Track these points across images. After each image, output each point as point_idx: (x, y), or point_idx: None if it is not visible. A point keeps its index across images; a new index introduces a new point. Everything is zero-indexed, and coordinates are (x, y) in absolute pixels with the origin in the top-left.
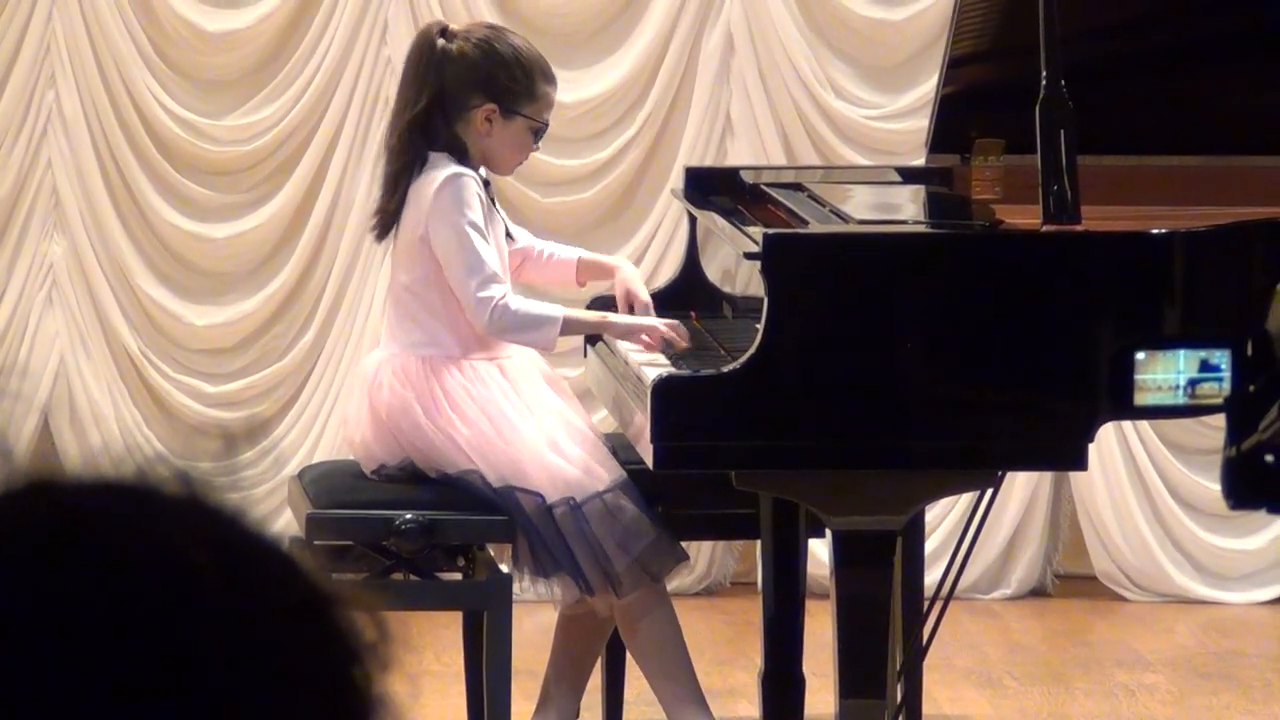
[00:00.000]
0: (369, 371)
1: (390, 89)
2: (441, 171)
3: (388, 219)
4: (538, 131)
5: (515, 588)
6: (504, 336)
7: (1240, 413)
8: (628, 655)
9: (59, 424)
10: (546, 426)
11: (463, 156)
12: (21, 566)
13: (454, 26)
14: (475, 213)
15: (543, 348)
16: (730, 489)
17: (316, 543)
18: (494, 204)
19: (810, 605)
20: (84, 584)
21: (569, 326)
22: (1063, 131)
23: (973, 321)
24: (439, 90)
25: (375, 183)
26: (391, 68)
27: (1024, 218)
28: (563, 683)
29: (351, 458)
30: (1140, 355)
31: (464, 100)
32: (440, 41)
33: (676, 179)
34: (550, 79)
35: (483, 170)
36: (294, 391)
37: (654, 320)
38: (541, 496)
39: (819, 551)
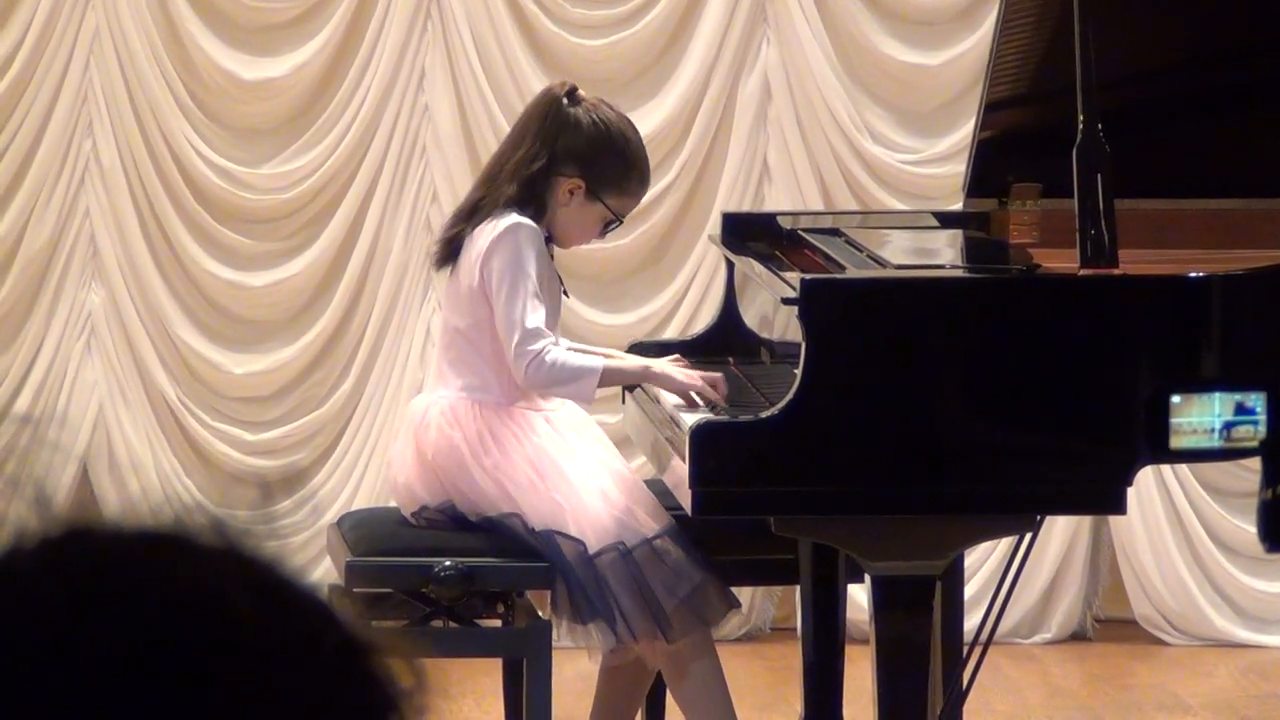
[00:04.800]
0: (417, 413)
1: (427, 137)
2: (506, 219)
3: (448, 249)
4: (609, 223)
5: (555, 635)
6: (541, 390)
7: (1276, 455)
8: (667, 706)
9: (98, 473)
10: (596, 474)
11: (538, 213)
12: (61, 613)
13: (581, 92)
14: (531, 265)
15: (581, 400)
16: (769, 534)
17: (356, 590)
18: (552, 261)
19: (850, 650)
20: (122, 631)
21: (608, 377)
22: (1100, 175)
23: (1011, 366)
24: (553, 151)
25: (421, 222)
26: (429, 115)
27: (1061, 262)
28: None
29: (391, 503)
30: (1175, 399)
31: (559, 165)
32: (565, 103)
33: (714, 225)
34: (644, 182)
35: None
36: (333, 439)
37: (694, 374)
38: (583, 543)
39: (859, 597)
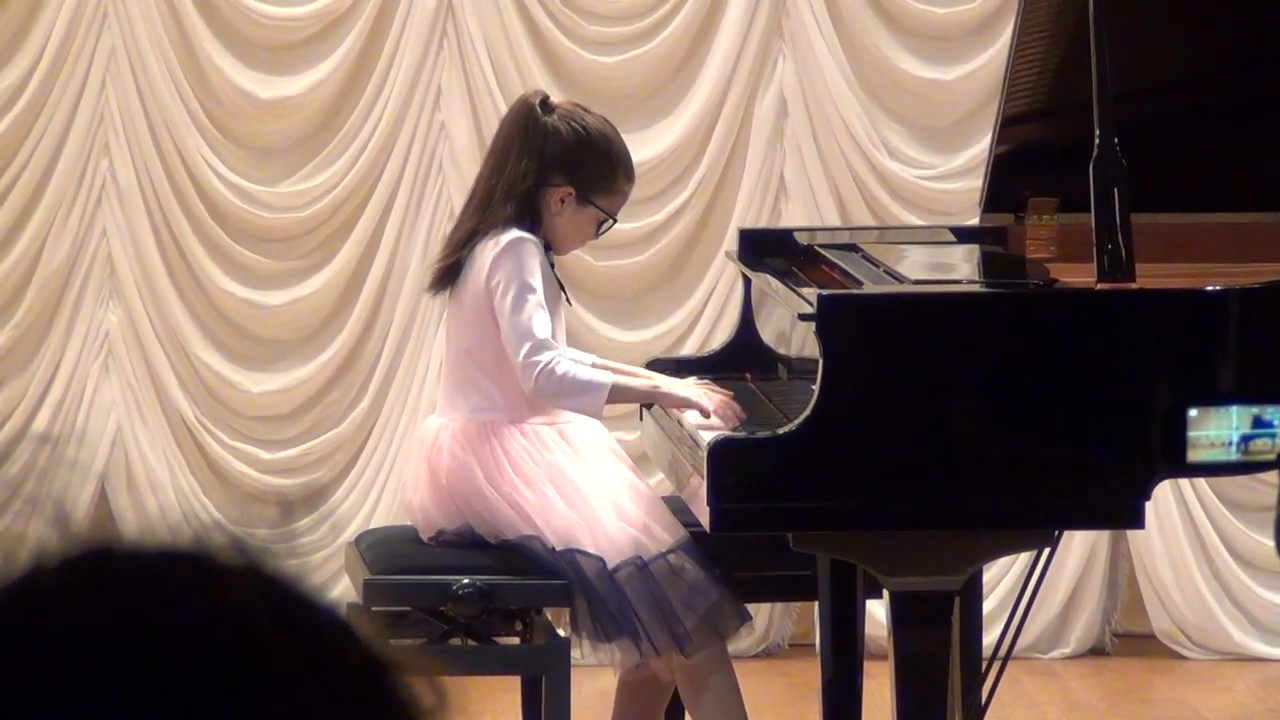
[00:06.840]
0: (427, 436)
1: (444, 154)
2: (506, 235)
3: (444, 276)
4: (602, 223)
5: (574, 652)
6: (550, 401)
7: None
8: None
9: (116, 491)
10: (610, 489)
11: (534, 225)
12: (81, 634)
13: (553, 100)
14: (535, 277)
15: (589, 414)
16: (788, 550)
17: (374, 608)
18: (554, 270)
19: (868, 666)
20: (143, 652)
21: (617, 394)
22: (1116, 189)
23: (1028, 381)
24: (540, 164)
25: (438, 240)
26: (445, 133)
27: (1078, 276)
28: None
29: (409, 523)
30: (1193, 412)
31: (547, 176)
32: (540, 113)
33: (731, 241)
34: (631, 178)
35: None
36: (350, 457)
37: (705, 393)
38: (603, 560)
39: (877, 612)
